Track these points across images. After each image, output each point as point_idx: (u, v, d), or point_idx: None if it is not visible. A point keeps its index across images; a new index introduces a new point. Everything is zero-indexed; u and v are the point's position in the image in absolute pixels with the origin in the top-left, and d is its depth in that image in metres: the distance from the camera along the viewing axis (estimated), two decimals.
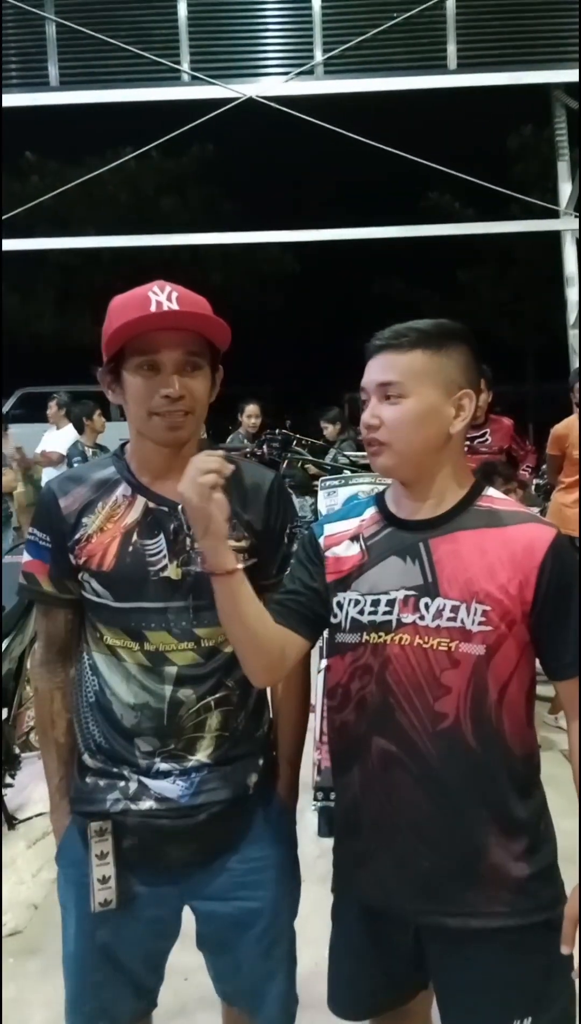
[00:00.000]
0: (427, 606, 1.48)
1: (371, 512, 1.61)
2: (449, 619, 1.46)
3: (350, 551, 1.58)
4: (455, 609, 1.46)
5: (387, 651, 1.50)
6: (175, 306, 1.51)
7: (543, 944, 1.49)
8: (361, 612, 1.53)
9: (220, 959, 1.75)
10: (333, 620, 1.57)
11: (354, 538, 1.59)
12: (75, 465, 6.75)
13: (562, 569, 1.47)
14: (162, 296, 1.51)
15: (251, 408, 7.95)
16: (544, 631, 1.48)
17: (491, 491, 1.58)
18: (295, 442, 7.06)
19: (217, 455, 1.42)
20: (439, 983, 1.59)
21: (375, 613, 1.52)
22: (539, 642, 1.49)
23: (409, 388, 1.47)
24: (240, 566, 1.46)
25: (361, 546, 1.57)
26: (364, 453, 1.54)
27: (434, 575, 1.48)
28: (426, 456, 1.51)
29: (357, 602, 1.53)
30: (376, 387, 1.50)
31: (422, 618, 1.48)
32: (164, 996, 1.83)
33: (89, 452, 7.07)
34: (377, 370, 1.50)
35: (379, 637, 1.51)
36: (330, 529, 1.63)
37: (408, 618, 1.49)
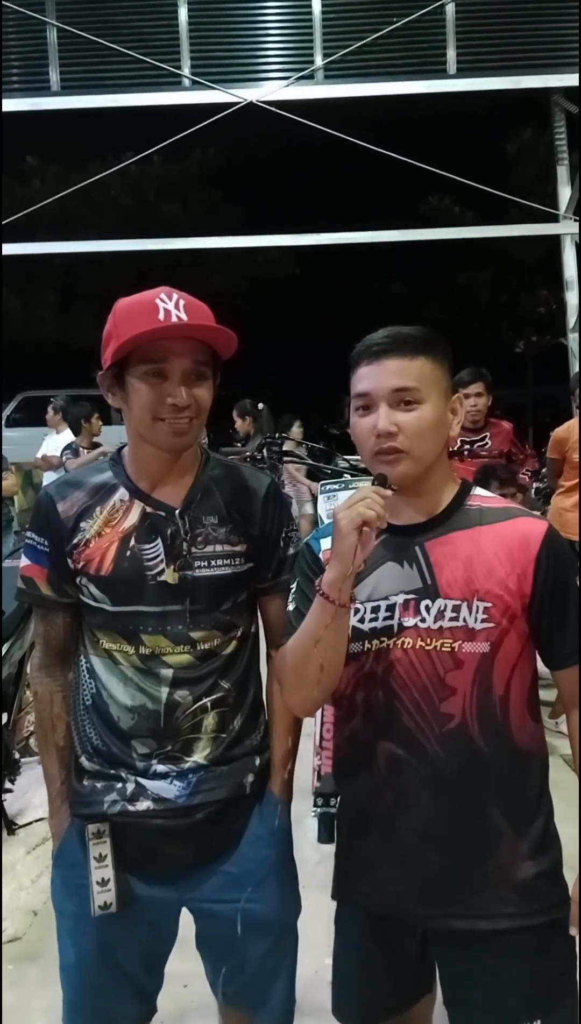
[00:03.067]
0: (428, 608, 1.48)
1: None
2: (451, 619, 1.46)
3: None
4: (457, 608, 1.46)
5: (390, 656, 1.50)
6: (184, 316, 1.51)
7: (550, 945, 1.49)
8: (362, 620, 1.52)
9: (223, 960, 1.74)
10: None
11: None
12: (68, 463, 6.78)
13: (558, 561, 1.49)
14: (170, 304, 1.51)
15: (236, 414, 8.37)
16: (543, 623, 1.49)
17: (479, 490, 1.59)
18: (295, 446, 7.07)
19: (387, 494, 1.40)
20: (446, 986, 1.59)
21: (376, 620, 1.51)
22: (538, 634, 1.50)
23: (424, 394, 1.47)
24: (354, 605, 1.47)
25: None
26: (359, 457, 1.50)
27: (433, 577, 1.49)
28: (434, 461, 1.51)
29: (357, 610, 1.52)
30: (390, 393, 1.46)
31: (423, 620, 1.48)
32: (163, 1003, 1.82)
33: (84, 454, 7.07)
34: (388, 375, 1.47)
35: (381, 643, 1.50)
36: (327, 543, 1.60)
37: (409, 621, 1.49)
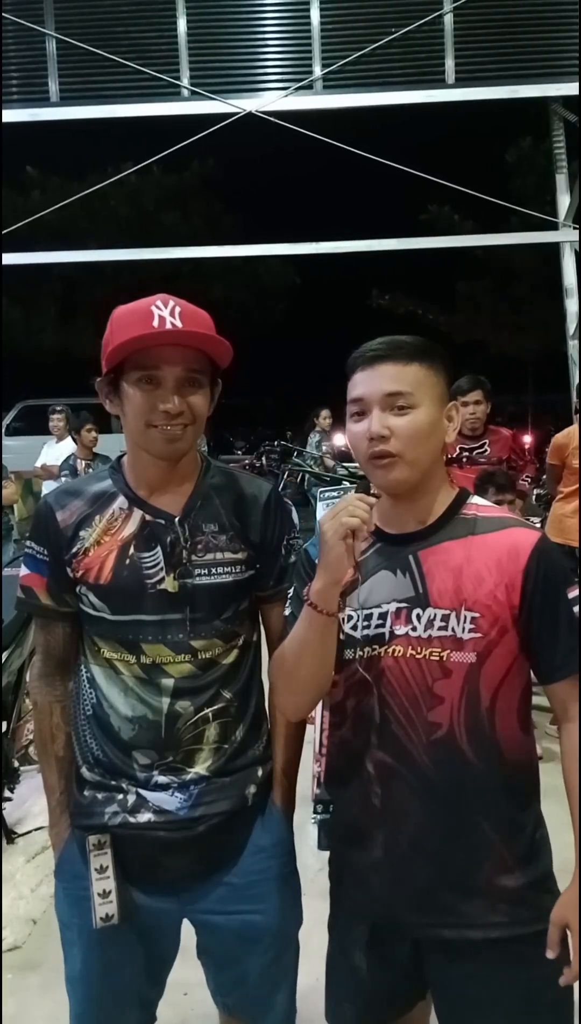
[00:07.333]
0: (419, 617, 1.48)
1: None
2: (440, 628, 1.47)
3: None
4: (445, 618, 1.46)
5: (381, 663, 1.50)
6: (178, 323, 1.51)
7: (541, 954, 1.48)
8: (354, 627, 1.52)
9: (224, 971, 1.74)
10: (339, 638, 1.56)
11: None
12: (63, 479, 6.80)
13: (547, 571, 1.48)
14: (165, 311, 1.51)
15: (325, 411, 10.05)
16: (533, 634, 1.48)
17: (475, 499, 1.59)
18: (295, 454, 7.09)
19: (371, 502, 1.41)
20: (438, 994, 1.58)
21: (368, 627, 1.52)
22: (529, 646, 1.50)
23: (417, 399, 1.47)
24: (342, 614, 1.48)
25: None
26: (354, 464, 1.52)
27: (424, 586, 1.49)
28: (429, 467, 1.51)
29: (350, 617, 1.53)
30: (383, 397, 1.47)
31: (414, 629, 1.48)
32: (164, 1011, 1.82)
33: (82, 465, 7.08)
34: (382, 380, 1.48)
35: (373, 650, 1.51)
36: None
37: (401, 630, 1.49)
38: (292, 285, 19.54)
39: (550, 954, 1.47)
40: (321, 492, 3.80)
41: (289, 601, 1.62)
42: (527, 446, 4.92)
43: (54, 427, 8.09)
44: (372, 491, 1.44)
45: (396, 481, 1.49)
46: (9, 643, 3.74)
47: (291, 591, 1.63)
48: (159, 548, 1.59)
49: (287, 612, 1.60)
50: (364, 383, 1.50)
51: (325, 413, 10.03)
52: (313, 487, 8.07)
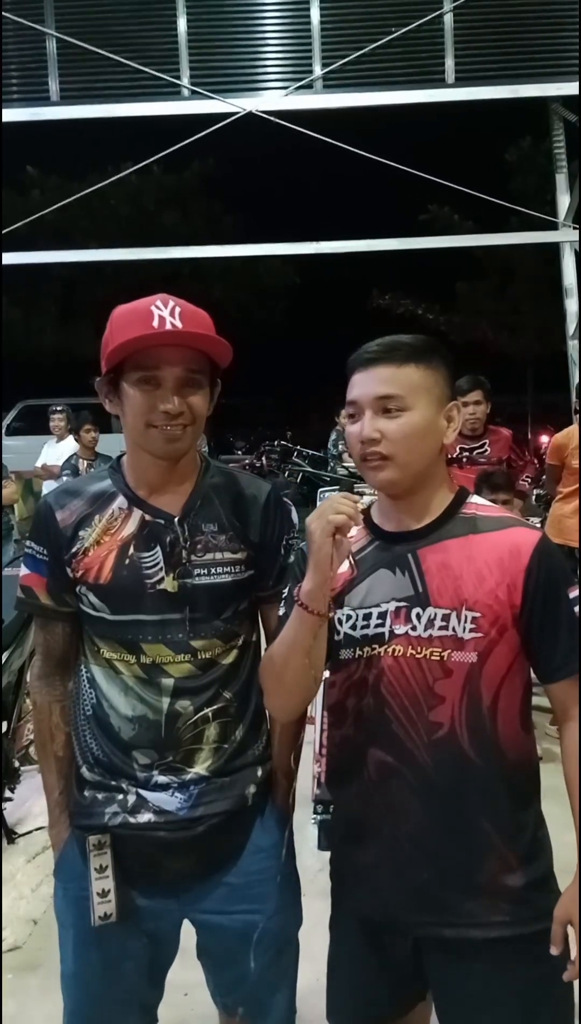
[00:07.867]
0: (419, 616, 1.48)
1: (357, 527, 1.61)
2: (441, 628, 1.46)
3: (340, 568, 1.56)
4: (446, 617, 1.46)
5: (381, 663, 1.50)
6: (178, 323, 1.51)
7: (542, 953, 1.49)
8: (354, 627, 1.53)
9: (224, 971, 1.74)
10: (335, 638, 1.57)
11: None
12: (64, 479, 6.82)
13: (549, 571, 1.48)
14: (165, 312, 1.51)
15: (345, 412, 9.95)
16: (534, 634, 1.48)
17: (475, 498, 1.59)
18: (295, 453, 7.10)
19: (355, 499, 1.42)
20: (438, 994, 1.58)
21: (367, 627, 1.52)
22: (529, 647, 1.50)
23: (410, 401, 1.47)
24: (332, 614, 1.48)
25: (350, 561, 1.55)
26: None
27: (424, 585, 1.49)
28: (424, 468, 1.51)
29: (350, 617, 1.53)
30: (374, 400, 1.48)
31: (414, 628, 1.48)
32: (164, 1012, 1.82)
33: (84, 465, 7.09)
34: (374, 383, 1.48)
35: (373, 649, 1.51)
36: None
37: (400, 629, 1.49)
38: (292, 285, 19.52)
39: (554, 950, 1.47)
40: (321, 492, 3.81)
41: (283, 601, 1.61)
42: (543, 447, 4.93)
43: (55, 427, 8.10)
44: (355, 490, 1.45)
45: (387, 482, 1.50)
46: (9, 643, 3.74)
47: (285, 591, 1.62)
48: (158, 548, 1.59)
49: (281, 612, 1.60)
50: (359, 385, 1.51)
51: (345, 413, 10.21)
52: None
